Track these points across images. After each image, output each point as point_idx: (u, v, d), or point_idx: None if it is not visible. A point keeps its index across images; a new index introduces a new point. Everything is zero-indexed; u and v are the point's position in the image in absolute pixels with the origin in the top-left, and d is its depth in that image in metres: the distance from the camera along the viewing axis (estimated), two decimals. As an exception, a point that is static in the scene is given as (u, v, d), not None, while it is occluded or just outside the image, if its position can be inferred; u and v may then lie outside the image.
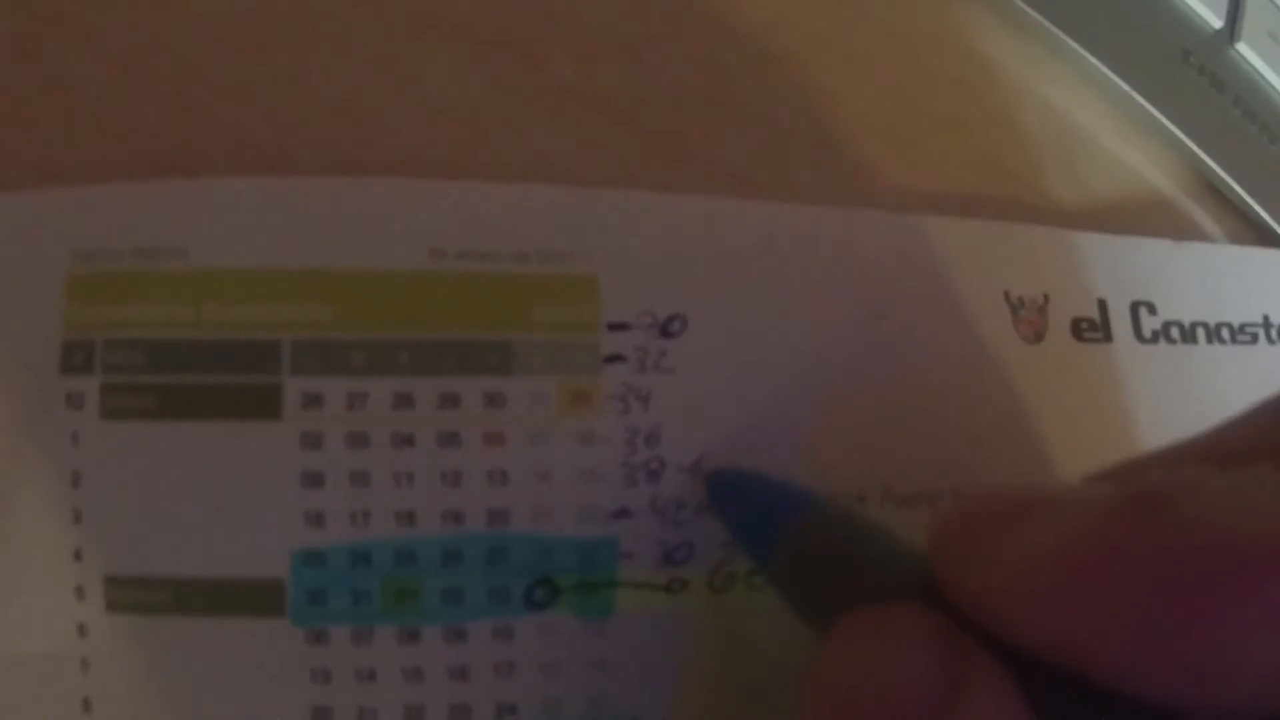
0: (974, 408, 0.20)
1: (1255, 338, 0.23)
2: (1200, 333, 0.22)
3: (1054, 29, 0.24)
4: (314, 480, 0.18)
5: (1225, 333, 0.23)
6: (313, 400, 0.18)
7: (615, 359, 0.19)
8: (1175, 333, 0.22)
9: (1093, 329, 0.22)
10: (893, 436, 0.20)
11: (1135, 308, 0.22)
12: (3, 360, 0.18)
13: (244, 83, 0.19)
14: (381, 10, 0.20)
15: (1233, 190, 0.24)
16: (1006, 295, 0.21)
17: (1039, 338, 0.21)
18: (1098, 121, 0.24)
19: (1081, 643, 0.11)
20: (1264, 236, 0.24)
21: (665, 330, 0.19)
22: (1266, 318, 0.23)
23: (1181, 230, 0.24)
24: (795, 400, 0.19)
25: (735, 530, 0.18)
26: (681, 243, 0.19)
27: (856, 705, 0.12)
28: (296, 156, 0.19)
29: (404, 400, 0.18)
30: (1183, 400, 0.22)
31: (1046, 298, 0.21)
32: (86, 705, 0.17)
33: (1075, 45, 0.24)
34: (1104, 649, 0.11)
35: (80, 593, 0.17)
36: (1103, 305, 0.22)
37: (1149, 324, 0.22)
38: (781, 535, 0.16)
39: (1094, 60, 0.24)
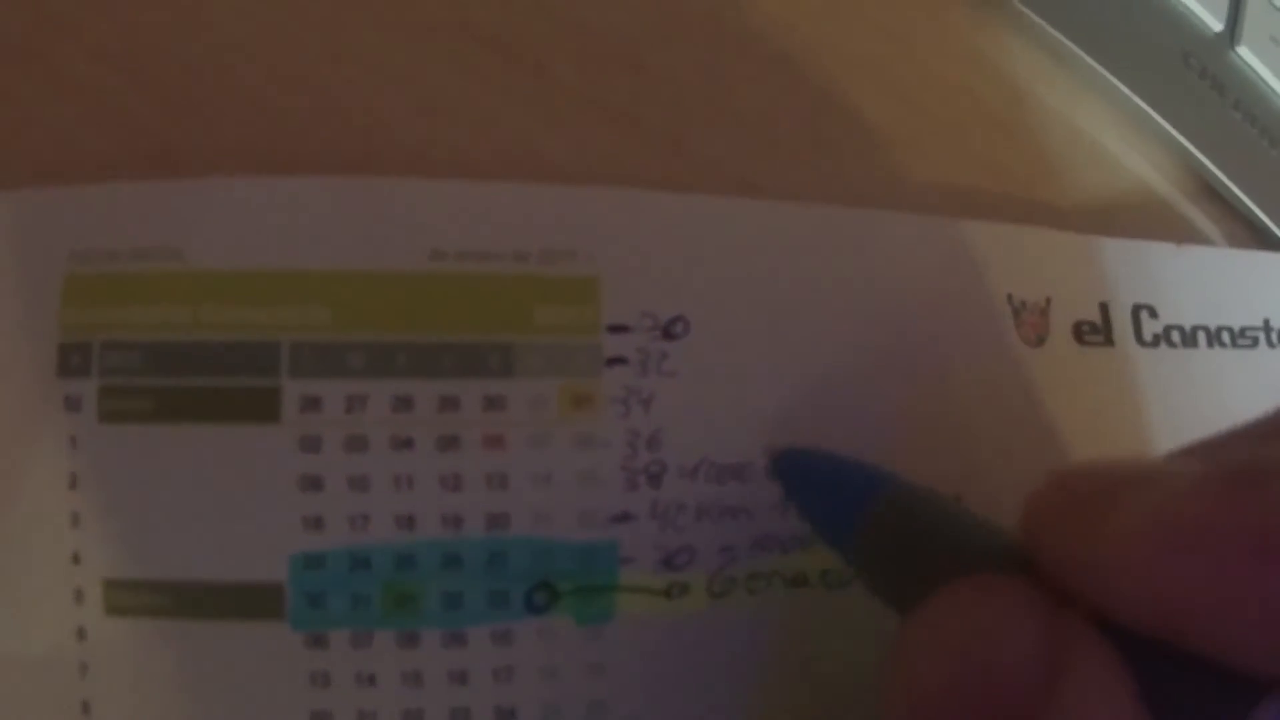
0: (976, 410, 0.20)
1: (1256, 341, 0.23)
2: (1201, 336, 0.22)
3: (1055, 33, 0.24)
4: (313, 484, 0.18)
5: (1226, 336, 0.23)
6: (311, 403, 0.18)
7: (617, 361, 0.19)
8: (1176, 336, 0.22)
9: (1094, 332, 0.22)
10: (895, 438, 0.20)
11: (1136, 311, 0.22)
12: (1, 363, 0.17)
13: (243, 83, 0.19)
14: (381, 12, 0.20)
15: (1233, 193, 0.24)
16: (1009, 298, 0.21)
17: (1041, 340, 0.21)
18: (1098, 124, 0.24)
19: (1182, 616, 0.11)
20: (1264, 240, 0.24)
21: (667, 332, 0.19)
22: (1267, 321, 0.23)
23: (1182, 233, 0.24)
24: (796, 403, 0.19)
25: (808, 511, 0.18)
26: (683, 243, 0.19)
27: (961, 675, 0.12)
28: (296, 157, 0.19)
29: (403, 403, 0.18)
30: (1184, 404, 0.22)
31: (1049, 301, 0.21)
32: (85, 709, 0.17)
33: (1076, 49, 0.24)
34: (1202, 619, 0.11)
35: (79, 596, 0.17)
36: (1104, 308, 0.22)
37: (1150, 327, 0.22)
38: (861, 514, 0.16)
39: (1095, 64, 0.24)
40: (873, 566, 0.16)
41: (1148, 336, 0.22)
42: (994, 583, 0.13)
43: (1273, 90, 0.25)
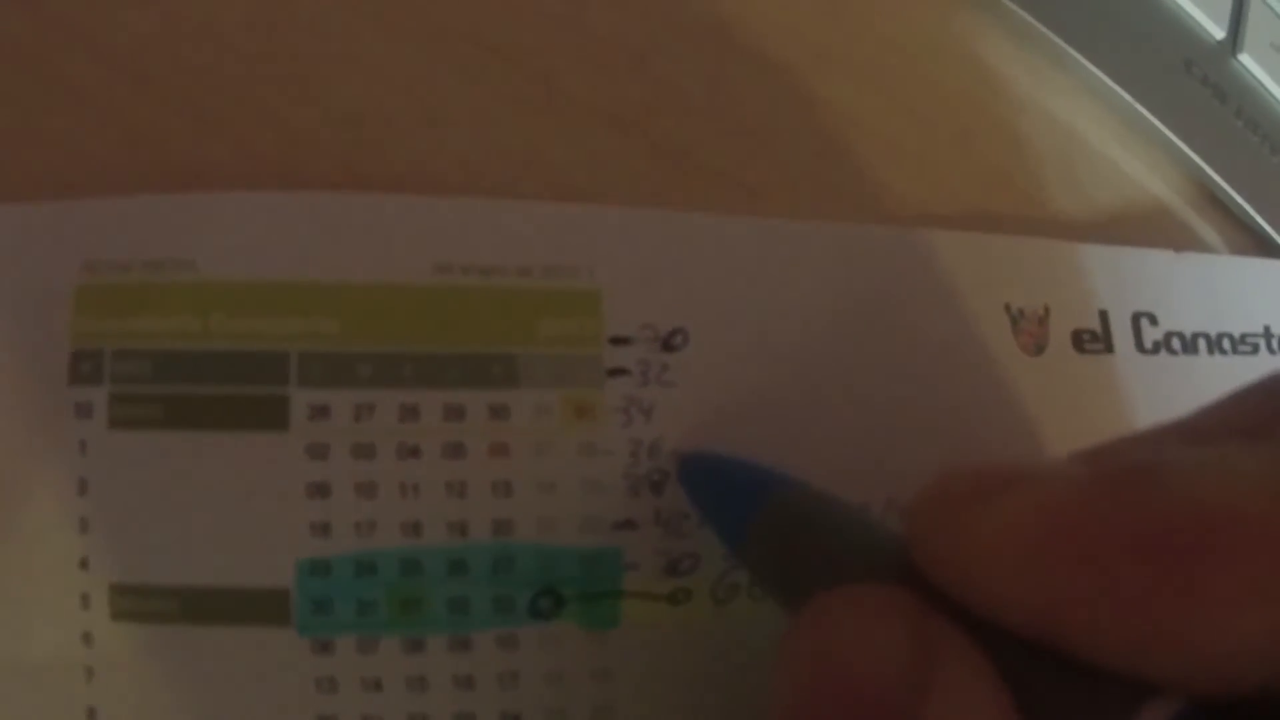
0: (976, 420, 0.20)
1: (1256, 348, 0.23)
2: (1201, 343, 0.22)
3: (1057, 39, 0.24)
4: (320, 491, 0.18)
5: (1226, 343, 0.23)
6: (319, 411, 0.18)
7: (618, 372, 0.19)
8: (1176, 343, 0.22)
9: (1094, 340, 0.22)
10: (895, 448, 0.20)
11: (1136, 318, 0.22)
12: (12, 370, 0.18)
13: (252, 95, 0.20)
14: (390, 24, 0.20)
15: (1234, 201, 0.24)
16: (1007, 308, 0.21)
17: (1040, 349, 0.21)
18: (1100, 132, 0.24)
19: (1057, 615, 0.11)
20: (1265, 247, 0.24)
21: (667, 344, 0.19)
22: (1267, 328, 0.23)
23: (1183, 241, 0.24)
24: (796, 412, 0.19)
25: (705, 512, 0.18)
26: (683, 258, 0.19)
27: (828, 685, 0.12)
28: (304, 168, 0.19)
29: (410, 412, 0.18)
30: (1184, 411, 0.22)
31: (1047, 309, 0.21)
32: (91, 714, 0.17)
33: (1078, 56, 0.24)
34: (1079, 620, 0.11)
35: (85, 601, 0.17)
36: (1104, 316, 0.22)
37: (1150, 335, 0.22)
38: (751, 516, 0.16)
39: (1097, 71, 0.24)
40: (763, 570, 0.16)
41: (1148, 344, 0.22)
42: (865, 591, 0.13)
43: (1274, 98, 0.25)
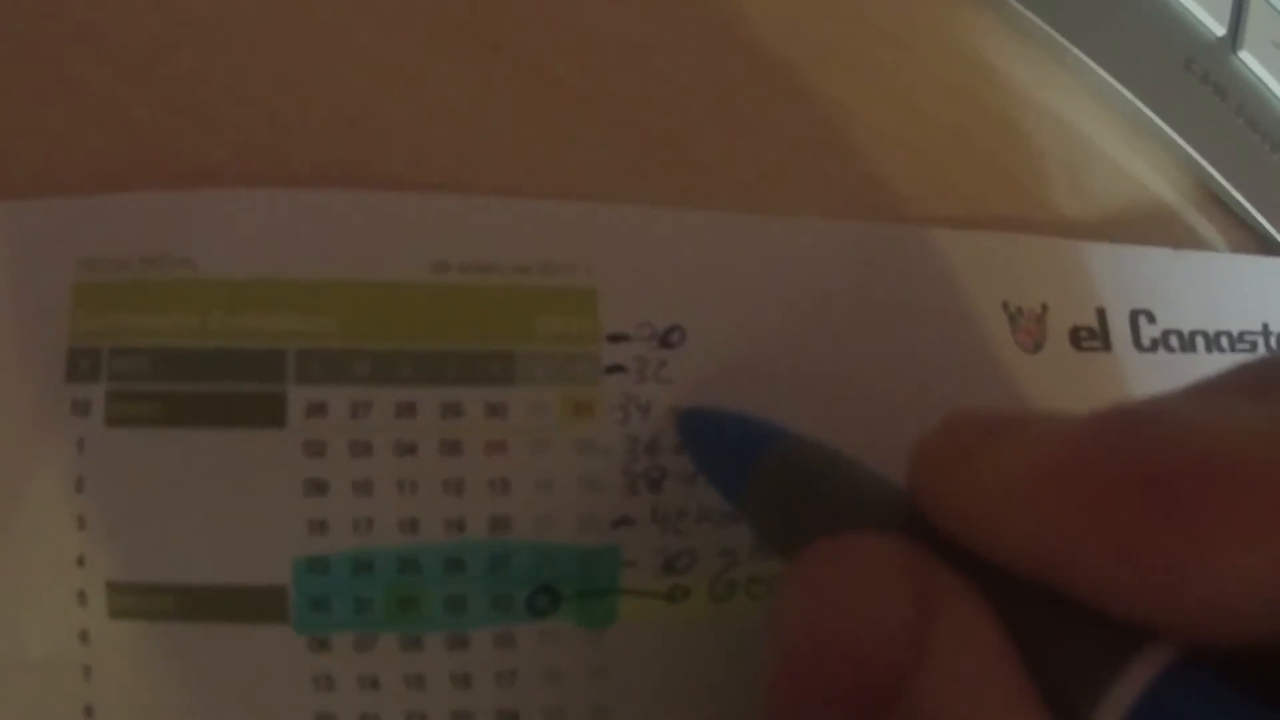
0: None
1: (1254, 346, 0.23)
2: (1199, 341, 0.22)
3: (1057, 36, 0.24)
4: (317, 488, 0.18)
5: (1224, 341, 0.23)
6: (317, 409, 0.18)
7: (615, 369, 0.19)
8: (1174, 341, 0.22)
9: (1092, 338, 0.22)
10: (891, 445, 0.20)
11: (1134, 316, 0.22)
12: (9, 367, 0.18)
13: (249, 91, 0.20)
14: (387, 20, 0.20)
15: (1234, 199, 0.24)
16: (1005, 305, 0.21)
17: (1038, 347, 0.21)
18: (1100, 129, 0.24)
19: (1058, 558, 0.11)
20: (1265, 245, 0.24)
21: (664, 341, 0.19)
22: (1266, 326, 0.23)
23: (1183, 238, 0.24)
24: (793, 409, 0.19)
25: (705, 466, 0.18)
26: (680, 255, 0.19)
27: (823, 629, 0.12)
28: (302, 165, 0.19)
29: (407, 409, 0.18)
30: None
31: (1045, 307, 0.21)
32: (89, 712, 0.17)
33: (1078, 52, 0.24)
34: (1079, 563, 0.11)
35: (83, 598, 0.17)
36: (1102, 314, 0.22)
37: (1148, 332, 0.22)
38: (750, 467, 0.16)
39: (1097, 68, 0.24)
40: (763, 522, 0.16)
41: (1146, 341, 0.22)
42: (860, 540, 0.13)
43: (1274, 95, 0.25)
